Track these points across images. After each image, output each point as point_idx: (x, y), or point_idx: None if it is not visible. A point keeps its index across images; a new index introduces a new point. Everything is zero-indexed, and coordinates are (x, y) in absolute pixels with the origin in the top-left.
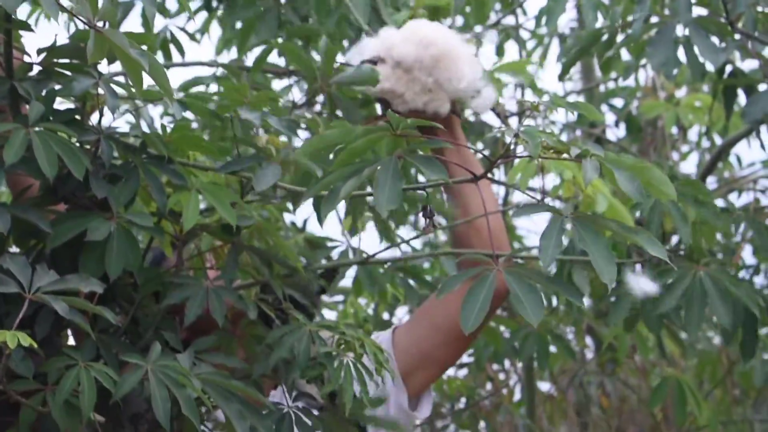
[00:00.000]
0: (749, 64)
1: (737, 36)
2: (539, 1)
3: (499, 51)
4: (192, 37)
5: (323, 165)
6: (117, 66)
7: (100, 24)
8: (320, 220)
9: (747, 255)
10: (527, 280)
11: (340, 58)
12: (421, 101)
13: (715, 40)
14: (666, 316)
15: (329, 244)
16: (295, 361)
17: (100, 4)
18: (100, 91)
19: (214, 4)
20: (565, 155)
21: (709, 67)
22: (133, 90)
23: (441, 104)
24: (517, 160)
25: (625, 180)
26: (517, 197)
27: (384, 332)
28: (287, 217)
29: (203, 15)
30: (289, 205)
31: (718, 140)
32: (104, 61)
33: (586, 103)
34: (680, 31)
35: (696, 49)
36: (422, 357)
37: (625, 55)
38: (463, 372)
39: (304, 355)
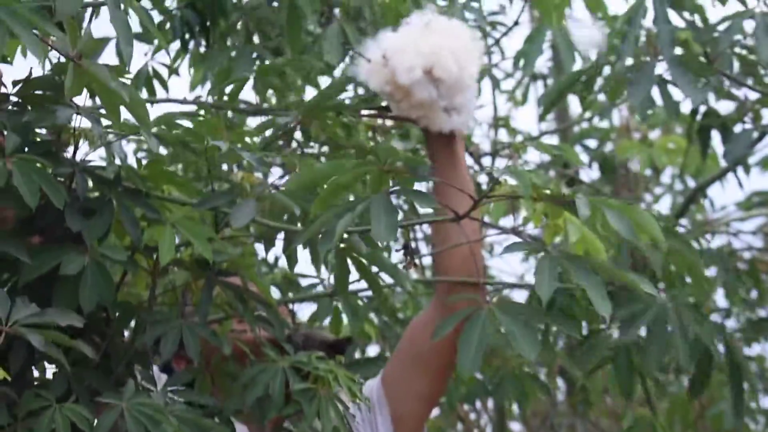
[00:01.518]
0: (723, 105)
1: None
2: (516, 41)
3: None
4: (173, 71)
5: (301, 203)
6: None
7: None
8: (293, 260)
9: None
10: (520, 317)
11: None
12: (415, 114)
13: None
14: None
15: (308, 281)
16: (270, 399)
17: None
18: (75, 123)
19: (190, 45)
20: (552, 196)
21: (687, 106)
22: (109, 124)
23: (434, 123)
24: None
25: (615, 219)
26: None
27: (372, 380)
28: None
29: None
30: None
31: (691, 182)
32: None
33: (567, 147)
34: (659, 70)
35: (678, 87)
36: (411, 395)
37: (600, 95)
38: (434, 412)
39: (279, 393)
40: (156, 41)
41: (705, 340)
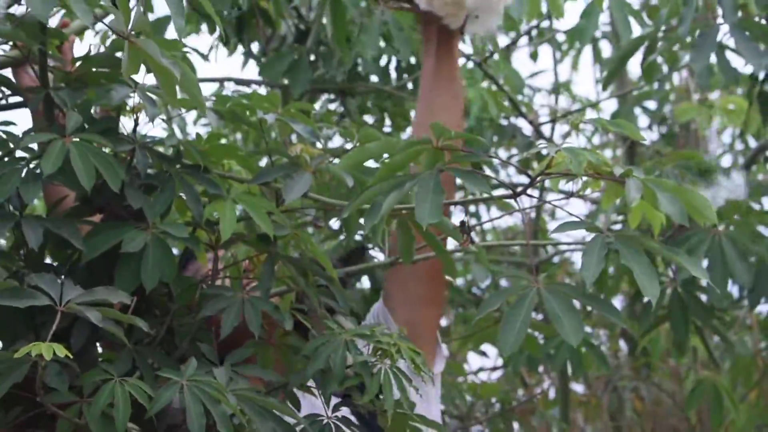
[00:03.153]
0: None
1: None
2: (576, 5)
3: (533, 55)
4: (204, 57)
5: (361, 176)
6: (150, 77)
7: (134, 35)
8: (352, 233)
9: None
10: (566, 298)
11: None
12: (443, 11)
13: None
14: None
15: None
16: (331, 372)
17: (132, 16)
18: (135, 100)
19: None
20: (608, 175)
21: (747, 67)
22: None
23: (455, 22)
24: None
25: (667, 201)
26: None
27: (376, 303)
28: None
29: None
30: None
31: (752, 143)
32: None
33: (627, 123)
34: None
35: (739, 53)
36: (412, 300)
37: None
38: (497, 375)
39: (340, 366)
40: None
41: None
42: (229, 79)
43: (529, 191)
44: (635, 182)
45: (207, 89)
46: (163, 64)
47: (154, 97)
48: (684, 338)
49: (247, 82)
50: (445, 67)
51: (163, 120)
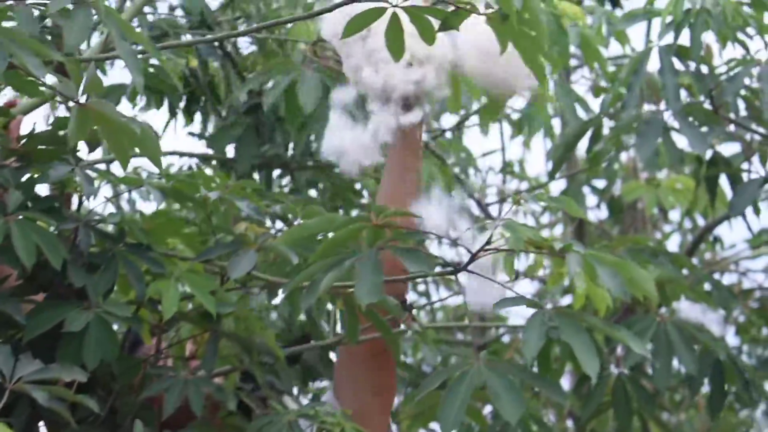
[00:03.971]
0: (729, 148)
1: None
2: None
3: (484, 131)
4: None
5: (305, 253)
6: (96, 154)
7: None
8: (297, 312)
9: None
10: (507, 376)
11: None
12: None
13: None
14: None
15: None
16: None
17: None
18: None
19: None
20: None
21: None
22: (112, 176)
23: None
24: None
25: (607, 276)
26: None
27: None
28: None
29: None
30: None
31: (700, 221)
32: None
33: (567, 199)
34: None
35: (685, 139)
36: (363, 391)
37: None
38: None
39: None
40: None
41: (712, 348)
42: (176, 153)
43: (473, 269)
44: (575, 256)
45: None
46: (120, 121)
47: (93, 174)
48: (627, 425)
49: (196, 156)
50: (408, 155)
51: (106, 199)
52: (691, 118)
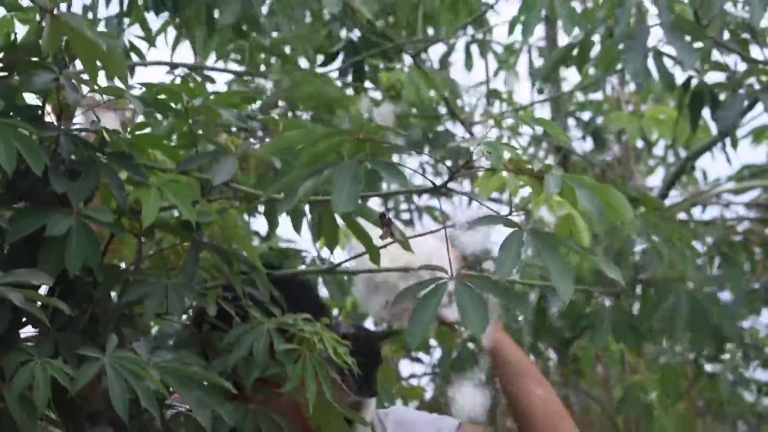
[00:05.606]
0: (713, 78)
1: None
2: (503, 15)
3: (467, 63)
4: (149, 41)
5: (284, 157)
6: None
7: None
8: (274, 222)
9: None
10: (476, 291)
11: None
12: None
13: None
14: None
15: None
16: (254, 360)
17: None
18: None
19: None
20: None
21: (679, 78)
22: (96, 85)
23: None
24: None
25: (585, 198)
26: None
27: (449, 418)
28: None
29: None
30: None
31: (684, 154)
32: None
33: (548, 120)
34: (652, 39)
35: (673, 50)
36: None
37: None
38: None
39: (263, 353)
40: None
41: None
42: (180, 65)
43: (453, 188)
44: (554, 177)
45: (159, 75)
46: (87, 35)
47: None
48: (605, 346)
49: (198, 68)
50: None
51: (88, 108)
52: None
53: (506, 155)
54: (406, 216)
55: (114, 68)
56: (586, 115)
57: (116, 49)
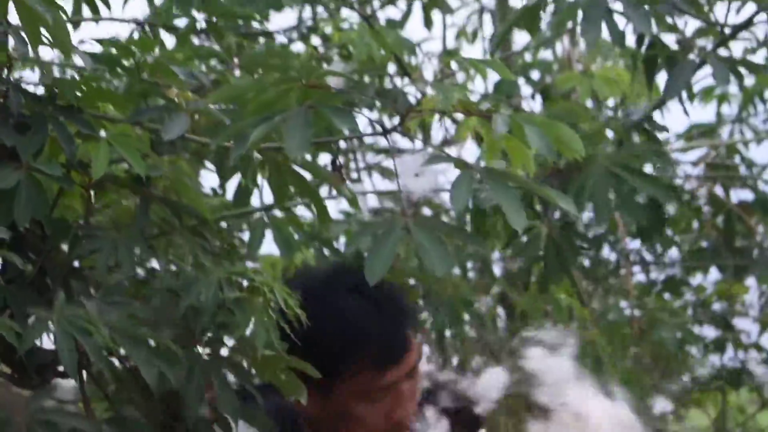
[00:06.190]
0: (667, 39)
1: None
2: None
3: (427, 22)
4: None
5: (233, 115)
6: None
7: None
8: (225, 173)
9: None
10: (435, 232)
11: None
12: None
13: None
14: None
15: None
16: (203, 308)
17: None
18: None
19: None
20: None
21: (630, 39)
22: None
23: None
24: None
25: (534, 135)
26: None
27: None
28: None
29: None
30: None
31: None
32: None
33: (496, 61)
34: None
35: (625, 15)
36: None
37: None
38: None
39: (212, 302)
40: None
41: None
42: (133, 21)
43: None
44: (502, 116)
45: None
46: (33, 8)
47: (25, 36)
48: (558, 279)
49: (140, 23)
50: None
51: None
52: None
53: (456, 96)
54: (354, 175)
55: (58, 39)
56: (535, 75)
57: (61, 22)
